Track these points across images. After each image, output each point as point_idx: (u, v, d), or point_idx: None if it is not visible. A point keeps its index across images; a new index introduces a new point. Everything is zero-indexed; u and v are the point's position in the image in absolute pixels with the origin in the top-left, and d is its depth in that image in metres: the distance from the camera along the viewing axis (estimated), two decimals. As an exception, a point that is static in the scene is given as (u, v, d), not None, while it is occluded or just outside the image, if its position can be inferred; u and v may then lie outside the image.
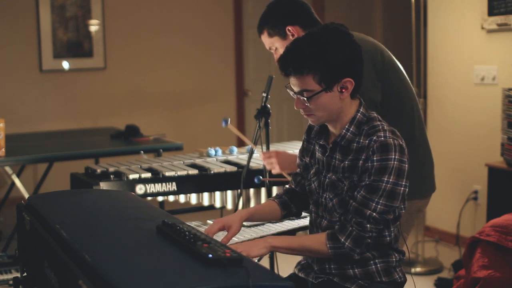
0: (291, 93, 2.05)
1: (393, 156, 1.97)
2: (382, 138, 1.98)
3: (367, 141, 2.01)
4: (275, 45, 2.67)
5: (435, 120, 4.82)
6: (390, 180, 1.97)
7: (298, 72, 1.98)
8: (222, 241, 1.99)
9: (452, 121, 4.69)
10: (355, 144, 2.04)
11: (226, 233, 2.09)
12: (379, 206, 1.98)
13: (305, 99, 2.00)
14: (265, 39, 2.69)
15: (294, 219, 2.68)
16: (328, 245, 2.00)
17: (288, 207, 2.28)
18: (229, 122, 2.85)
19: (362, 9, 7.41)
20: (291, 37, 2.61)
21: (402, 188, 2.00)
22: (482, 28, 4.36)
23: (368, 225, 1.98)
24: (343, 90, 2.00)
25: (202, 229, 2.50)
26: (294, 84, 2.02)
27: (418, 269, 4.26)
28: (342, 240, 1.99)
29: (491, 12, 4.28)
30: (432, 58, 4.80)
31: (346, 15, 7.15)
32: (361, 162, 2.00)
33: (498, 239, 3.05)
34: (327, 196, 2.09)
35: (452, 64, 4.67)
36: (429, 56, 4.81)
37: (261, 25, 2.69)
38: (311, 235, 2.13)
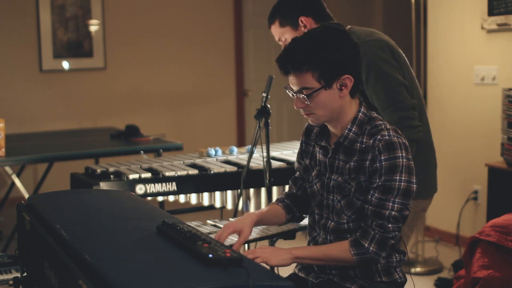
0: (290, 93, 2.04)
1: (400, 154, 1.96)
2: (387, 137, 1.98)
3: (371, 141, 2.00)
4: (285, 36, 2.64)
5: (435, 120, 4.82)
6: (403, 178, 1.96)
7: (297, 70, 1.97)
8: (234, 247, 1.96)
9: (452, 121, 4.69)
10: (358, 144, 2.03)
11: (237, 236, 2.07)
12: (396, 205, 1.97)
13: (305, 97, 1.99)
14: (276, 29, 2.65)
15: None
16: (352, 252, 1.98)
17: (292, 211, 2.26)
18: None
19: (362, 9, 7.41)
20: (303, 28, 2.60)
21: (414, 186, 2.00)
22: (482, 28, 4.36)
23: (389, 225, 1.97)
24: (343, 88, 1.99)
25: (202, 229, 2.50)
26: (293, 82, 2.01)
27: (418, 269, 4.26)
28: (366, 245, 1.97)
29: (491, 12, 4.28)
30: (432, 58, 4.80)
31: (346, 15, 7.15)
32: (367, 162, 1.99)
33: (498, 239, 3.05)
34: (335, 198, 2.07)
35: (452, 64, 4.67)
36: (429, 56, 4.81)
37: (273, 14, 2.65)
38: (334, 243, 2.06)
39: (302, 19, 2.60)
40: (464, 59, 4.57)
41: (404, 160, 1.97)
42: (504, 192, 3.87)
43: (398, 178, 1.96)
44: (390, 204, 1.96)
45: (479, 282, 2.98)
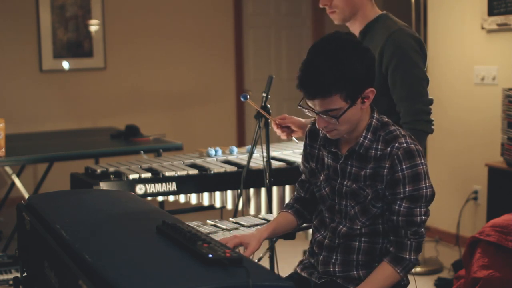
0: (306, 110, 2.00)
1: (420, 161, 1.98)
2: (405, 145, 1.98)
3: (388, 149, 1.99)
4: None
5: (435, 120, 4.81)
6: (427, 184, 1.99)
7: (326, 95, 1.92)
8: None
9: (452, 121, 4.69)
10: (373, 151, 2.02)
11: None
12: (423, 209, 2.01)
13: (334, 119, 1.95)
14: None
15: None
16: (398, 271, 2.02)
17: (303, 215, 2.25)
18: (248, 97, 2.80)
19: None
20: None
21: (433, 189, 2.04)
22: (482, 28, 4.36)
23: (422, 230, 2.02)
24: (365, 100, 1.98)
25: (202, 229, 2.50)
26: (316, 104, 1.95)
27: (418, 269, 4.26)
28: (407, 256, 2.01)
29: (491, 12, 4.28)
30: (432, 58, 4.80)
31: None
32: (385, 170, 1.99)
33: (498, 239, 3.05)
34: (348, 204, 2.06)
35: (452, 64, 4.67)
36: (429, 56, 4.78)
37: None
38: (374, 274, 2.04)
39: None
40: (464, 59, 4.57)
41: (424, 166, 1.99)
42: (504, 192, 3.87)
43: (424, 185, 1.98)
44: (418, 209, 2.00)
45: (479, 282, 2.98)
